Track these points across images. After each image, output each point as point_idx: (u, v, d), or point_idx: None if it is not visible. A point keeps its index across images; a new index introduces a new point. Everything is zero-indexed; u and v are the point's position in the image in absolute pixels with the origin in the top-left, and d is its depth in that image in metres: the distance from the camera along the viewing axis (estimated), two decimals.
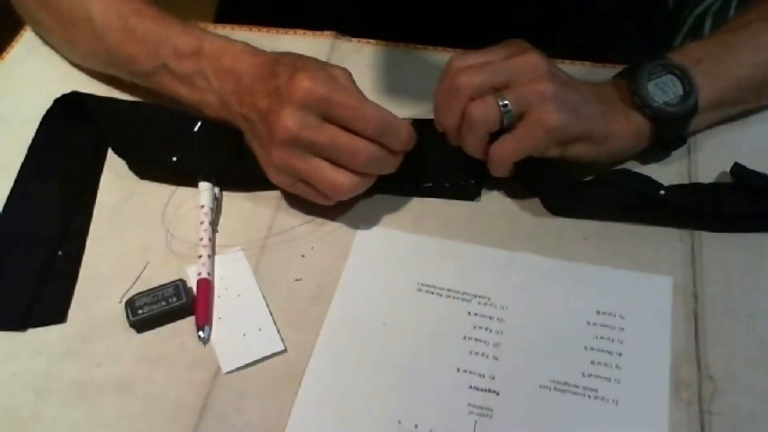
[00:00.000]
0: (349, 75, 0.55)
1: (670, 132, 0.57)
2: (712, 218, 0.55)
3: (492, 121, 0.53)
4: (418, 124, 0.57)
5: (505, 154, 0.54)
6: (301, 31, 0.71)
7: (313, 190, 0.55)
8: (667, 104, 0.56)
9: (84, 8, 0.62)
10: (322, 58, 0.68)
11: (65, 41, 0.68)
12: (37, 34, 0.72)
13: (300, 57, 0.56)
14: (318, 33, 0.71)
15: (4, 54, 0.72)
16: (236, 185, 0.60)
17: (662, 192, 0.55)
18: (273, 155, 0.54)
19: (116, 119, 0.62)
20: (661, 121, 0.56)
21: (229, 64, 0.57)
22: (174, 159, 0.59)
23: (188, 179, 0.60)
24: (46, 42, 0.71)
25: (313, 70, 0.53)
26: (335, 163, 0.53)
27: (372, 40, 0.70)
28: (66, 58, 0.70)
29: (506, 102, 0.53)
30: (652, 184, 0.56)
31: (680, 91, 0.56)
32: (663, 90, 0.56)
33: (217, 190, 0.60)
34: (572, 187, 0.57)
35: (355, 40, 0.70)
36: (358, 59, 0.69)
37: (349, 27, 0.70)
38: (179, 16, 0.72)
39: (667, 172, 0.59)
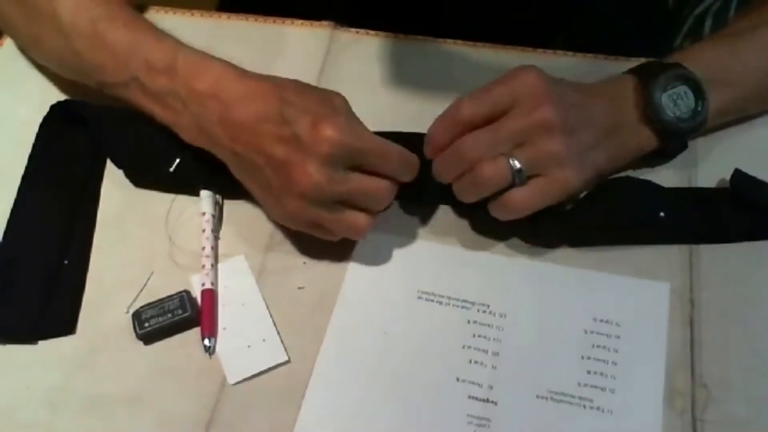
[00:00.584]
0: (346, 102, 0.53)
1: (675, 144, 0.57)
2: (712, 236, 0.56)
3: (503, 181, 0.51)
4: (413, 138, 0.56)
5: (520, 207, 0.52)
6: (299, 21, 0.70)
7: (326, 232, 0.54)
8: (678, 119, 0.55)
9: (51, 4, 0.58)
10: (321, 49, 0.68)
11: (32, 39, 0.64)
12: (4, 29, 0.68)
13: (301, 90, 0.53)
14: (316, 23, 0.70)
15: None
16: (236, 193, 0.60)
17: (662, 214, 0.55)
18: (289, 205, 0.52)
19: (111, 129, 0.61)
20: (668, 135, 0.56)
21: (207, 87, 0.53)
22: (171, 170, 0.59)
23: (189, 188, 0.60)
24: (13, 38, 0.68)
25: (331, 114, 0.51)
26: (356, 206, 0.53)
27: (371, 31, 0.69)
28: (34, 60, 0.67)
29: (519, 164, 0.51)
30: (652, 199, 0.56)
31: (692, 104, 0.55)
32: (675, 102, 0.55)
33: (218, 196, 0.60)
34: (574, 215, 0.56)
35: (353, 30, 0.70)
36: (357, 50, 0.68)
37: (348, 18, 0.69)
38: (182, 5, 0.72)
39: (668, 174, 0.59)
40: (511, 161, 0.51)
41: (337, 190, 0.51)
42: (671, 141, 0.56)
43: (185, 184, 0.60)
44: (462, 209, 0.58)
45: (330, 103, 0.52)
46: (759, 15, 0.59)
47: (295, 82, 0.54)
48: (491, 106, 0.52)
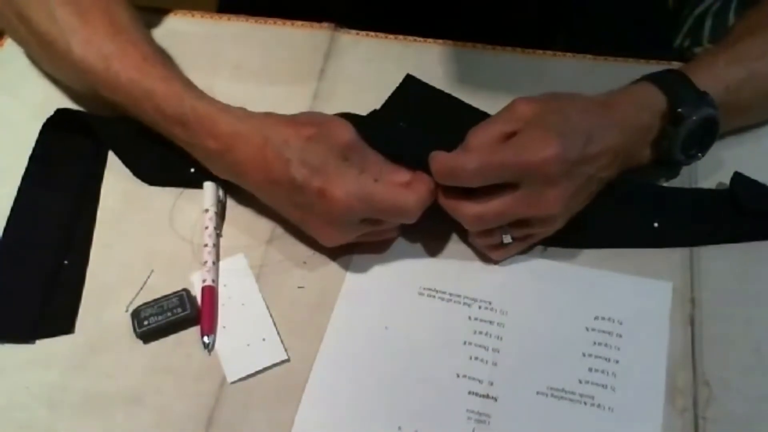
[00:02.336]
0: (351, 133, 0.53)
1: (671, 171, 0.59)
2: (707, 240, 0.56)
3: (491, 244, 0.55)
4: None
5: (499, 258, 0.56)
6: (299, 23, 0.71)
7: None
8: (686, 154, 0.55)
9: (63, 37, 0.58)
10: (321, 50, 0.68)
11: (45, 61, 0.65)
12: (18, 44, 0.68)
13: (304, 147, 0.52)
14: (316, 25, 0.70)
15: None
16: None
17: (656, 225, 0.56)
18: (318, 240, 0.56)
19: (125, 138, 0.62)
20: (668, 164, 0.57)
21: (220, 147, 0.55)
22: (192, 170, 0.59)
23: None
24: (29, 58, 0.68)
25: (336, 174, 0.51)
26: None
27: (371, 33, 0.69)
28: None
29: (509, 238, 0.53)
30: (646, 208, 0.56)
31: (700, 139, 0.55)
32: (689, 135, 0.54)
33: (221, 193, 0.60)
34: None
35: (353, 32, 0.70)
36: (357, 52, 0.69)
37: (348, 19, 0.70)
38: (182, 7, 0.72)
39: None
40: (504, 236, 0.53)
41: (358, 235, 0.55)
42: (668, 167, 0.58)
43: (204, 181, 0.60)
44: None
45: (335, 148, 0.52)
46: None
47: (298, 131, 0.53)
48: (497, 179, 0.51)
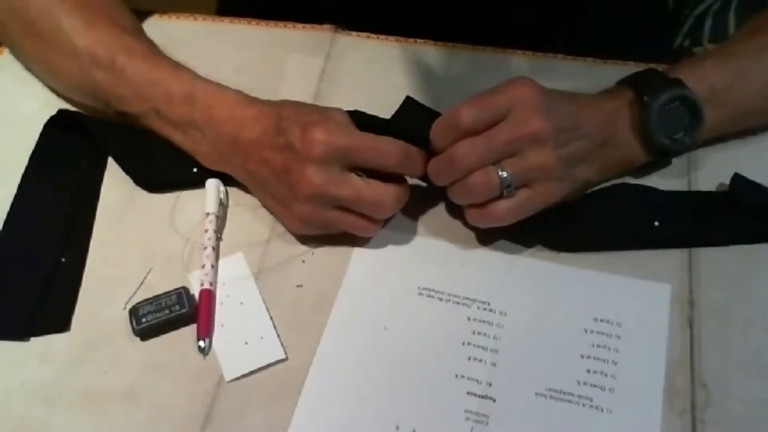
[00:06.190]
0: (343, 114, 0.55)
1: (663, 161, 0.58)
2: (708, 241, 0.56)
3: (492, 193, 0.52)
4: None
5: (501, 218, 0.53)
6: (300, 25, 0.71)
7: (341, 229, 0.56)
8: (672, 139, 0.55)
9: (70, 42, 0.61)
10: (322, 52, 0.69)
11: (49, 72, 0.66)
12: (17, 59, 0.69)
13: (299, 106, 0.56)
14: (317, 27, 0.70)
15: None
16: None
17: (656, 223, 0.56)
18: (296, 210, 0.55)
19: (125, 143, 0.62)
20: (659, 153, 0.57)
21: (223, 115, 0.57)
22: (195, 170, 0.60)
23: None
24: (28, 69, 0.69)
25: (320, 120, 0.53)
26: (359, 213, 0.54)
27: (372, 35, 0.70)
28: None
29: (507, 176, 0.51)
30: (646, 207, 0.56)
31: (686, 125, 0.55)
32: (670, 119, 0.55)
33: (223, 196, 0.60)
34: (566, 220, 0.56)
35: (354, 34, 0.70)
36: (357, 54, 0.69)
37: (348, 21, 0.70)
38: (182, 9, 0.72)
39: (667, 178, 0.59)
40: (500, 173, 0.52)
41: (335, 192, 0.53)
42: (661, 158, 0.58)
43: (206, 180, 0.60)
44: (454, 210, 0.58)
45: (324, 113, 0.54)
46: (765, 34, 0.58)
47: (297, 102, 0.57)
48: (488, 114, 0.51)
